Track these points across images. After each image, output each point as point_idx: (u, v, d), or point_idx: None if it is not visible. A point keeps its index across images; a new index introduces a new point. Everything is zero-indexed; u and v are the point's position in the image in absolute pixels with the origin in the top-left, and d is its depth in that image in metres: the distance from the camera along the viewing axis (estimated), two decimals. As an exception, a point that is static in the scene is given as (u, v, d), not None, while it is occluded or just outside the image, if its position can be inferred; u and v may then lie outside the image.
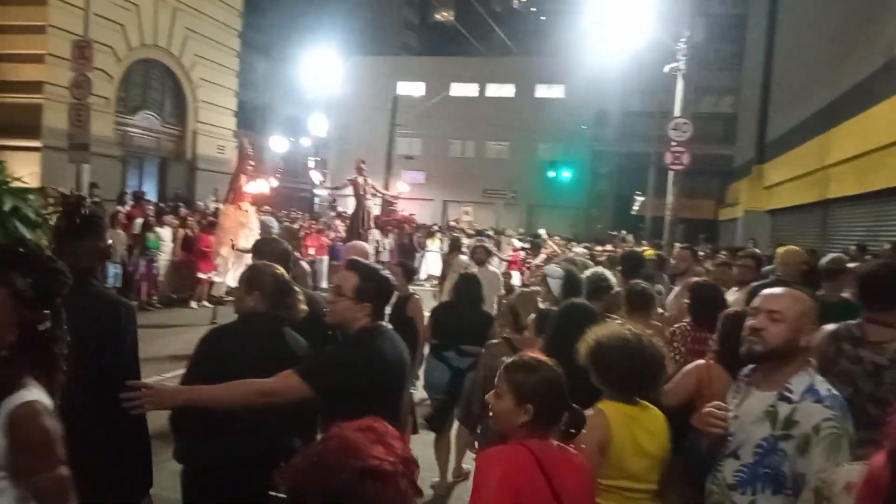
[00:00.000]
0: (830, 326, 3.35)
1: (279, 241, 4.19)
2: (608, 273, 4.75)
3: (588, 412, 2.38)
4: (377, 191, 15.47)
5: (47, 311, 1.87)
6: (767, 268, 7.07)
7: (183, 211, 14.58)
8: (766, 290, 2.42)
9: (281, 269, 3.08)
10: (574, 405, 2.22)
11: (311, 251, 15.36)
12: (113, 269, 11.38)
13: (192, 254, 12.86)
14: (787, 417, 2.16)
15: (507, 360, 2.26)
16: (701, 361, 3.43)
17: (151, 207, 13.93)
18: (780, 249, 5.73)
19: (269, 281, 2.93)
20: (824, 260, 5.32)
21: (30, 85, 14.72)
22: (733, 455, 2.27)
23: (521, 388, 2.12)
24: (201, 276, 12.67)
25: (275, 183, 18.09)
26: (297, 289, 3.03)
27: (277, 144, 42.61)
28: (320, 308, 3.24)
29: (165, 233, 12.87)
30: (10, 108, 14.56)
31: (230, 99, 22.41)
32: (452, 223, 28.29)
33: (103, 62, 15.28)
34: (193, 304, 12.79)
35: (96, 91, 13.36)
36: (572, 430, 2.21)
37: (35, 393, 1.80)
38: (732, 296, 5.78)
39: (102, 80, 15.56)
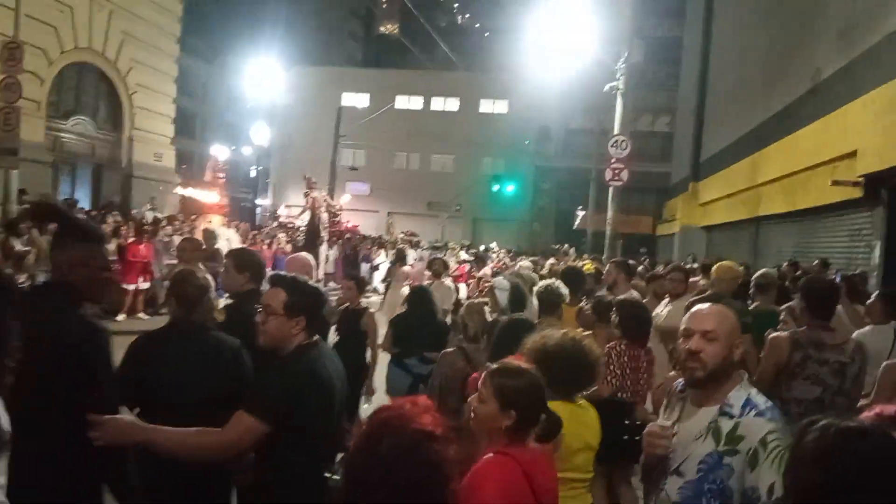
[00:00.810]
0: (784, 335, 3.81)
1: (256, 253, 4.35)
2: (562, 287, 4.86)
3: None
4: (329, 204, 15.47)
5: None
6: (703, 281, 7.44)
7: (111, 220, 14.02)
8: (695, 309, 2.39)
9: (202, 276, 3.17)
10: (551, 410, 2.31)
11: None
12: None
13: (121, 264, 12.30)
14: (731, 433, 2.18)
15: (493, 366, 2.33)
16: (672, 373, 3.61)
17: (82, 216, 13.40)
18: (716, 265, 5.98)
19: (186, 287, 3.03)
20: (756, 275, 5.72)
21: (-45, 86, 14.04)
22: (676, 472, 2.26)
23: (505, 392, 2.19)
24: (127, 287, 12.15)
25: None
26: (210, 295, 3.15)
27: (218, 153, 41.73)
28: None
29: (99, 242, 12.38)
30: None
31: (168, 105, 21.86)
32: (402, 235, 28.22)
33: (34, 64, 14.73)
34: (120, 316, 12.16)
35: (26, 94, 12.87)
36: (547, 434, 2.30)
37: None
38: (665, 308, 6.01)
39: (33, 84, 14.98)
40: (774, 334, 3.87)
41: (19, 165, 12.16)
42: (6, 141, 11.86)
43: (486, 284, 6.78)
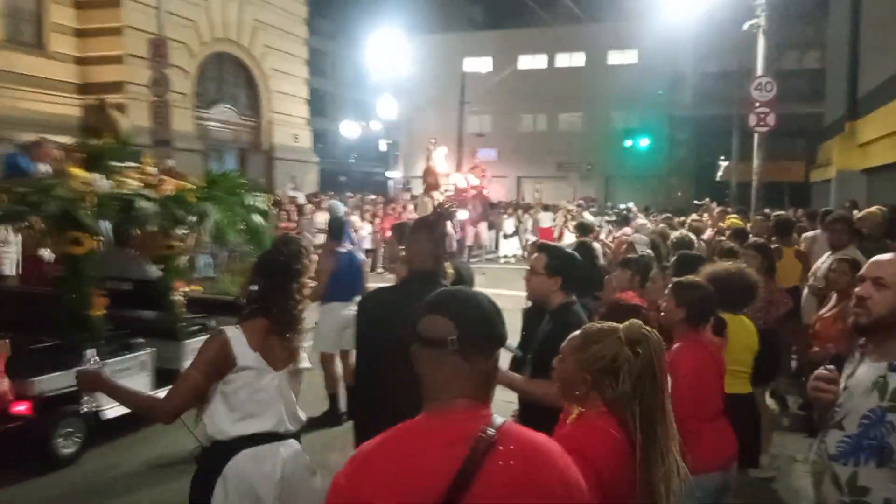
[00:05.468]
0: None
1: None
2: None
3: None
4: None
5: (265, 281, 2.72)
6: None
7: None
8: (875, 258, 2.32)
9: None
10: (720, 315, 3.42)
11: (389, 233, 15.61)
12: (203, 260, 11.53)
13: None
14: None
15: (677, 280, 3.41)
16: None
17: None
18: (863, 212, 6.31)
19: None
20: None
21: (112, 85, 15.39)
22: (838, 425, 2.19)
23: (678, 295, 3.21)
24: None
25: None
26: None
27: (349, 130, 43.21)
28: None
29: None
30: (96, 108, 15.20)
31: (301, 87, 22.81)
32: (581, 201, 27.54)
33: (178, 59, 15.80)
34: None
35: (174, 87, 13.81)
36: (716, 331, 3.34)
37: (231, 331, 2.65)
38: (827, 261, 5.70)
39: (179, 77, 16.09)
40: None
41: (173, 155, 13.14)
42: (160, 132, 12.82)
43: (626, 239, 7.13)
